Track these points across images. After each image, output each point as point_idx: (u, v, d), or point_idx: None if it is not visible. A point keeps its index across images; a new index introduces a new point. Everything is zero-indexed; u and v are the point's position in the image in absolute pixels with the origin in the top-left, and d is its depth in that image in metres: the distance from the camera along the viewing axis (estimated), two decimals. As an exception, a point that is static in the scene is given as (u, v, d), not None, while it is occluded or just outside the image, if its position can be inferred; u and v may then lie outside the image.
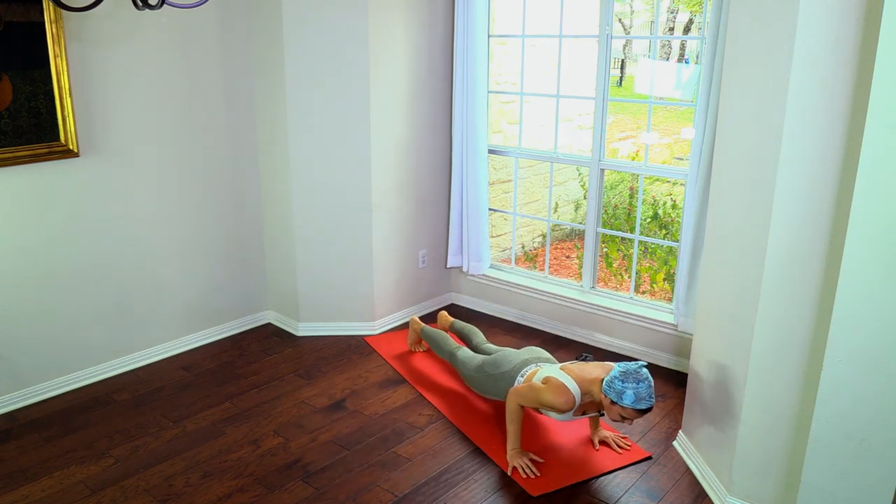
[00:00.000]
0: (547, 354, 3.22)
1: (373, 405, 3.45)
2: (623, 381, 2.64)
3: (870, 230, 2.05)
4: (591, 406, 2.89)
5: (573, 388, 2.82)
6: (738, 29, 2.56)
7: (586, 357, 3.07)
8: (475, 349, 3.58)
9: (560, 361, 3.18)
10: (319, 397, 3.52)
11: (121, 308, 3.69)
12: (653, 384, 2.66)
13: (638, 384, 2.62)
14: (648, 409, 2.65)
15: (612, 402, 2.67)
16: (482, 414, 3.36)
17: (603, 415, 2.94)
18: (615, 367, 2.71)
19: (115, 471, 2.92)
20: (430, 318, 4.49)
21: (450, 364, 3.63)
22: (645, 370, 2.66)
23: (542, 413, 2.99)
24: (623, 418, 2.68)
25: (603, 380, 2.75)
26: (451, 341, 3.62)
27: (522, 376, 3.05)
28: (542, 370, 2.98)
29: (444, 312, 4.00)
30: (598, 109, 3.90)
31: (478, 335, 3.67)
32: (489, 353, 3.42)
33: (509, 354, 3.23)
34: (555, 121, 4.33)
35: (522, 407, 2.94)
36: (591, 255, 4.17)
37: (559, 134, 4.36)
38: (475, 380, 3.31)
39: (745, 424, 2.56)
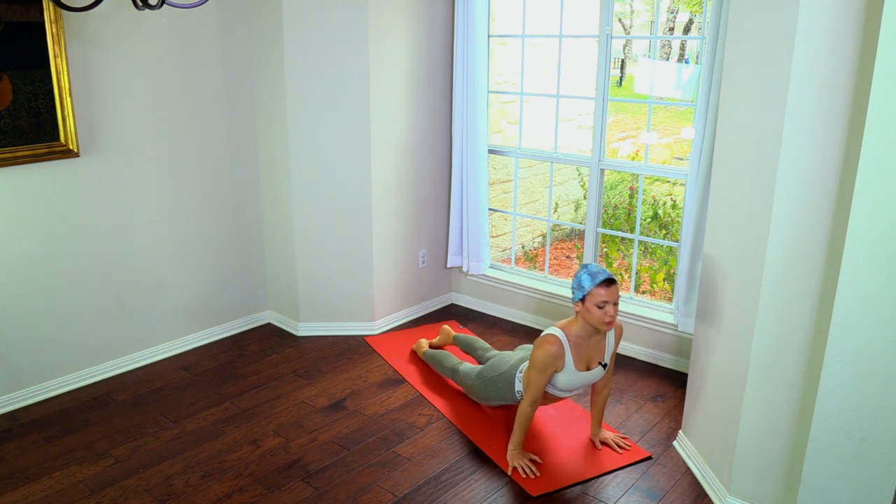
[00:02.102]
0: None
1: (373, 405, 3.45)
2: (576, 277, 2.80)
3: (870, 230, 2.05)
4: (586, 350, 2.89)
5: (553, 330, 2.87)
6: (738, 29, 2.56)
7: None
8: (479, 360, 3.57)
9: None
10: (319, 397, 3.52)
11: (121, 308, 3.70)
12: (599, 265, 2.80)
13: (586, 267, 2.79)
14: (610, 280, 2.74)
15: (583, 301, 2.76)
16: (482, 414, 3.36)
17: (606, 366, 2.95)
18: None
19: (115, 471, 2.92)
20: (428, 318, 4.50)
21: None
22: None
23: (561, 396, 2.99)
24: (601, 309, 2.73)
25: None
26: (452, 358, 3.60)
27: (521, 372, 3.05)
28: None
29: (447, 326, 3.97)
30: (598, 109, 3.90)
31: (480, 344, 3.66)
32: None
33: (505, 356, 3.24)
34: (555, 121, 4.33)
35: (534, 409, 2.94)
36: (591, 255, 4.17)
37: (559, 134, 4.36)
38: (476, 388, 3.29)
39: (745, 424, 2.56)
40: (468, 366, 3.45)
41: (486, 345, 3.65)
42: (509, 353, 3.30)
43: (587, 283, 2.74)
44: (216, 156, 3.95)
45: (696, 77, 6.37)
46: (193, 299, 4.01)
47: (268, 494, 2.78)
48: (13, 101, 3.12)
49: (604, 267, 2.84)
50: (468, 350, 3.70)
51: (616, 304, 2.77)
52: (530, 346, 3.28)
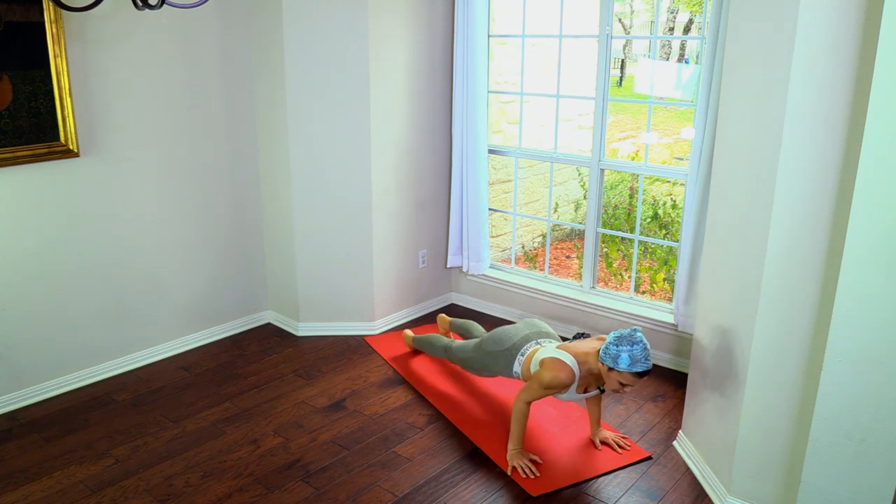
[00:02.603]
0: (547, 328, 3.20)
1: (373, 405, 3.45)
2: (617, 346, 2.65)
3: (870, 230, 2.05)
4: (591, 380, 2.88)
5: (569, 360, 2.83)
6: (738, 29, 2.56)
7: (583, 335, 3.06)
8: None
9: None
10: (319, 397, 3.52)
11: (121, 308, 3.70)
12: (648, 347, 2.65)
13: (632, 346, 2.62)
14: (645, 373, 2.64)
15: (610, 369, 2.68)
16: (482, 414, 3.36)
17: (604, 390, 2.95)
18: (610, 335, 2.73)
19: (115, 471, 2.92)
20: (428, 318, 4.50)
21: (448, 363, 3.64)
22: (639, 334, 2.66)
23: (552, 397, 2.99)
24: (622, 385, 2.67)
25: (599, 350, 2.77)
26: (442, 338, 3.63)
27: (523, 355, 3.05)
28: (540, 350, 2.97)
29: (443, 315, 4.00)
30: (598, 109, 3.90)
31: (476, 328, 3.69)
32: None
33: (509, 330, 3.19)
34: (555, 121, 4.33)
35: (529, 406, 2.94)
36: (591, 255, 4.17)
37: (559, 134, 4.36)
38: (474, 359, 3.28)
39: (745, 424, 2.56)
40: (460, 342, 3.49)
41: (483, 330, 3.69)
42: (512, 327, 3.23)
43: (623, 365, 2.63)
44: (216, 156, 3.95)
45: (696, 77, 6.37)
46: (193, 299, 4.01)
47: (268, 494, 2.78)
48: (13, 101, 3.12)
49: (647, 351, 2.64)
50: (465, 335, 3.73)
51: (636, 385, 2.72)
52: (536, 320, 3.27)
